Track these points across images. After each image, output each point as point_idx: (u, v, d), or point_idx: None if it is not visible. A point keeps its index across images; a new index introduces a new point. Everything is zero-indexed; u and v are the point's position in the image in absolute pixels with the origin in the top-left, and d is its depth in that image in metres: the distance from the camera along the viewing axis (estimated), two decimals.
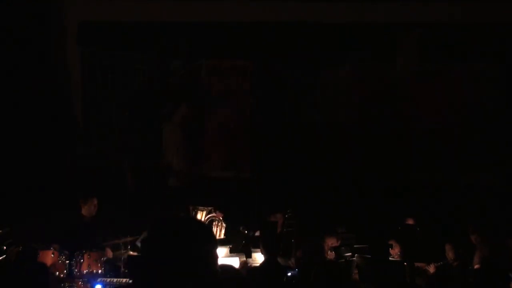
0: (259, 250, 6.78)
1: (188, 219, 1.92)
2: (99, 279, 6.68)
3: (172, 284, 1.78)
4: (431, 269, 7.58)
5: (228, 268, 3.46)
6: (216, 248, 1.93)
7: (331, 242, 7.60)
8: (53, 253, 6.77)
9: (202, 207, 7.98)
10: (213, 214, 8.02)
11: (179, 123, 10.53)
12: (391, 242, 7.77)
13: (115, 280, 6.73)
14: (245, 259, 7.10)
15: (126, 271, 6.84)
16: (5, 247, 6.85)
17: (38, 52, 9.64)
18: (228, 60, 10.74)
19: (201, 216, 7.93)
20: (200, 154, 10.72)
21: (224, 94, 10.74)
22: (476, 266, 7.05)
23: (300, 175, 10.21)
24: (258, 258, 6.99)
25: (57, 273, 6.66)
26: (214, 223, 7.99)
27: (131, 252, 7.23)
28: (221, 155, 10.76)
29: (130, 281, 5.85)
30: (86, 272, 6.79)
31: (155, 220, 1.91)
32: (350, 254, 7.16)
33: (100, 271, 6.89)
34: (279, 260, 6.20)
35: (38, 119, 9.51)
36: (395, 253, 7.88)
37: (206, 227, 2.03)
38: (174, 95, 10.71)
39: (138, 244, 7.14)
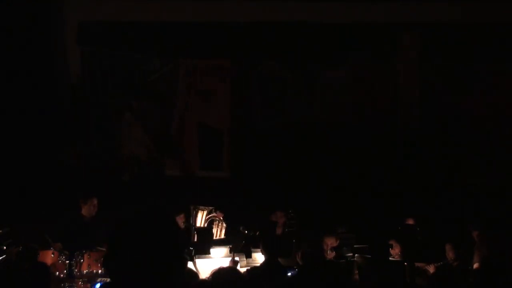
0: (259, 250, 6.78)
1: (152, 213, 1.90)
2: (99, 279, 6.68)
3: (140, 280, 1.78)
4: (431, 269, 7.57)
5: (227, 270, 3.45)
6: (181, 242, 1.91)
7: (331, 242, 7.60)
8: (53, 253, 6.77)
9: (203, 207, 7.95)
10: (214, 214, 8.01)
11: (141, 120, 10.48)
12: (391, 242, 7.77)
13: None
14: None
15: None
16: (5, 247, 6.84)
17: (38, 52, 9.63)
18: (208, 59, 10.69)
19: (201, 215, 7.91)
20: (180, 153, 10.71)
21: (204, 94, 10.71)
22: (476, 266, 7.05)
23: (299, 175, 10.21)
24: (258, 258, 6.99)
25: (57, 273, 6.65)
26: (214, 223, 7.98)
27: None
28: (200, 155, 10.73)
29: None
30: (86, 272, 6.78)
31: (120, 217, 1.92)
32: (350, 254, 7.16)
33: (100, 271, 6.87)
34: (279, 260, 6.19)
35: (38, 119, 9.51)
36: (395, 253, 7.88)
37: (171, 221, 2.00)
38: (153, 93, 10.71)
39: None
